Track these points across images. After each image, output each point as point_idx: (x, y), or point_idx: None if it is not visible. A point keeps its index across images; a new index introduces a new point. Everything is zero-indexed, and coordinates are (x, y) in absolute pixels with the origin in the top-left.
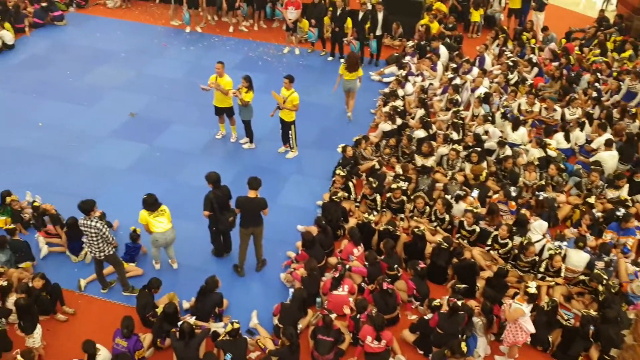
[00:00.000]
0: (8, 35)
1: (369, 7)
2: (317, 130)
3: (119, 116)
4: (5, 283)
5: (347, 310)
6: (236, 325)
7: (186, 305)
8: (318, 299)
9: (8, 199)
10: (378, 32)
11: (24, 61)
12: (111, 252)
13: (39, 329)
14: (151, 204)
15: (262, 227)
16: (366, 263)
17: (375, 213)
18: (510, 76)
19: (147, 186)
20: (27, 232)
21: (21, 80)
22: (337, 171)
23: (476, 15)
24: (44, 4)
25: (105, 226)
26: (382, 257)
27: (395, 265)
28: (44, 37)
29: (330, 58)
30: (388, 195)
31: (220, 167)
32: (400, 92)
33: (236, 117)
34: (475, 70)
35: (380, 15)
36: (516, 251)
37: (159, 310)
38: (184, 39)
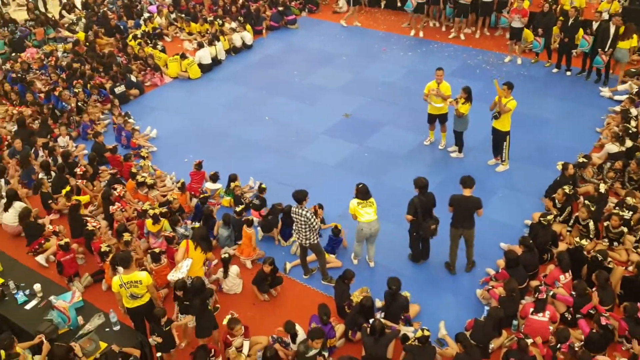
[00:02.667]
0: (248, 36)
1: (605, 17)
2: (533, 144)
3: (334, 115)
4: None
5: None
6: (427, 333)
7: (378, 304)
8: (515, 322)
9: (232, 185)
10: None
11: (259, 60)
12: (316, 241)
13: None
14: (364, 192)
15: (473, 230)
16: (573, 292)
17: (589, 240)
18: None
19: (353, 183)
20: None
21: (256, 78)
22: (563, 188)
23: None
24: (280, 9)
25: (314, 216)
26: (593, 289)
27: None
28: (278, 39)
29: (555, 70)
30: (606, 223)
31: (425, 173)
32: (634, 112)
33: (448, 125)
34: None
35: (612, 29)
36: None
37: (354, 301)
38: (403, 44)
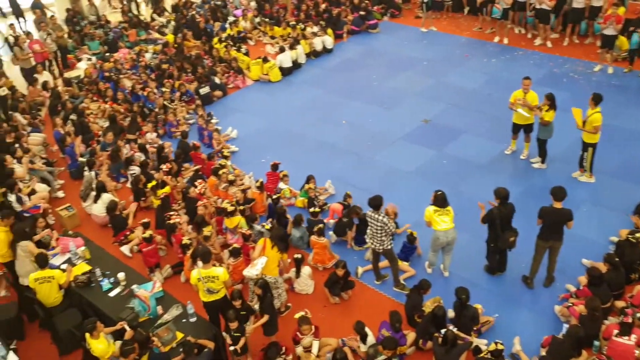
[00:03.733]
0: (329, 40)
1: None
2: (621, 157)
3: (413, 121)
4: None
5: None
6: (500, 347)
7: (451, 314)
8: (596, 342)
9: (307, 186)
10: None
11: (339, 64)
12: (389, 247)
13: None
14: (442, 200)
15: (561, 242)
16: None
17: None
18: None
19: (429, 190)
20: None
21: (335, 81)
22: None
23: None
24: (362, 13)
25: (391, 222)
26: None
27: None
28: (358, 43)
29: None
30: None
31: (505, 183)
32: None
33: (532, 135)
34: None
35: None
36: None
37: (426, 311)
38: (486, 51)
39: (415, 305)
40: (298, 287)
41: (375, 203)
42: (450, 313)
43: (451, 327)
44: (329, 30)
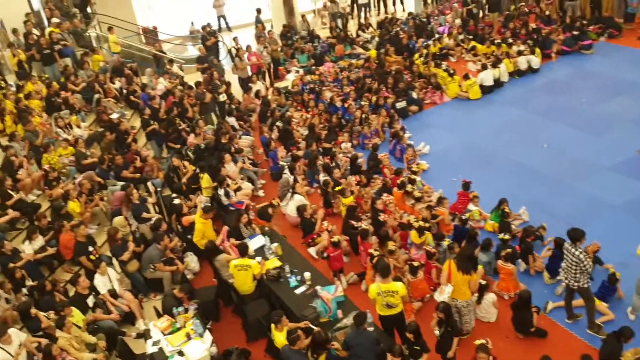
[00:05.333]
0: (535, 60)
1: None
2: None
3: (624, 150)
4: None
5: None
6: None
7: None
8: None
9: (499, 210)
10: None
11: (544, 84)
12: (585, 285)
13: None
14: None
15: None
16: None
17: None
18: None
19: (638, 229)
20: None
21: (537, 102)
22: None
23: None
24: (575, 33)
25: (589, 259)
26: None
27: None
28: (568, 63)
29: None
30: None
31: None
32: None
33: None
34: None
35: None
36: None
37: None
38: None
39: (612, 353)
40: (480, 313)
41: (575, 235)
42: None
43: None
44: (537, 50)
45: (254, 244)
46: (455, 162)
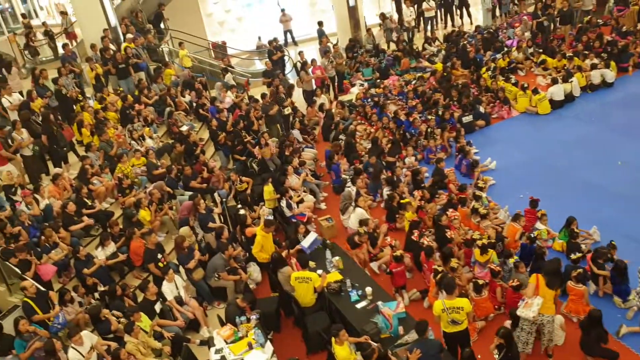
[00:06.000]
0: (610, 74)
1: None
2: None
3: None
4: None
5: None
6: None
7: None
8: None
9: (568, 229)
10: None
11: (619, 99)
12: None
13: None
14: None
15: None
16: None
17: None
18: None
19: None
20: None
21: (612, 117)
22: None
23: None
24: None
25: None
26: None
27: None
28: None
29: None
30: None
31: None
32: None
33: None
34: None
35: None
36: None
37: None
38: None
39: None
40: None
41: None
42: None
43: None
44: (612, 63)
45: (306, 241)
46: (523, 178)
